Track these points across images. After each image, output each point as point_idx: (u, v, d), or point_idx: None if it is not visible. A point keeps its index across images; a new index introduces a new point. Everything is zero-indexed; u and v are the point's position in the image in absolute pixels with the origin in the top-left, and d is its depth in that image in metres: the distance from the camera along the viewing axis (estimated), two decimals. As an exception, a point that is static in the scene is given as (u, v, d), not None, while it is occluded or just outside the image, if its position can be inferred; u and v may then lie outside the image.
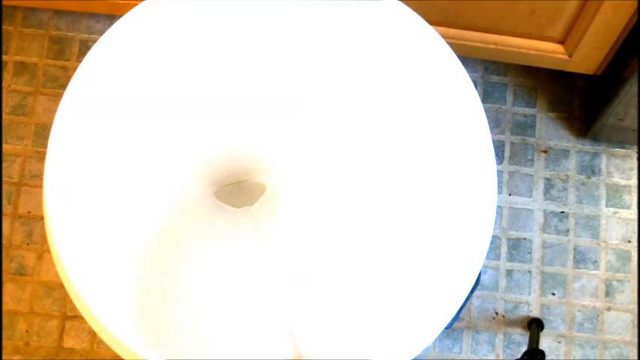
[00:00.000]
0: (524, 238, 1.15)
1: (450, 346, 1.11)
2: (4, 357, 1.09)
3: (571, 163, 1.18)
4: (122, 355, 0.67)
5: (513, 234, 1.15)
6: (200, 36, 0.81)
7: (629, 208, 1.16)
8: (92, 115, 0.76)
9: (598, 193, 1.17)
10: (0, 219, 1.14)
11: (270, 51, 0.84)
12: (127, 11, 0.75)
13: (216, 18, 0.80)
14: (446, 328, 0.72)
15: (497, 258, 1.14)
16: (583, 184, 1.17)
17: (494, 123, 1.19)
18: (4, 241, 1.13)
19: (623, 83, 1.03)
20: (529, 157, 1.18)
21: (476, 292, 1.12)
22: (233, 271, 0.96)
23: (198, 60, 0.83)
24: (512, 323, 1.12)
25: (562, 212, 1.16)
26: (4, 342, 1.10)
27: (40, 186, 1.14)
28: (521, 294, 1.13)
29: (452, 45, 0.76)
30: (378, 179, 0.93)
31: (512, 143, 1.19)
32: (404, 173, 0.89)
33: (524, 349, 1.11)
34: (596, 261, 1.14)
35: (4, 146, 1.17)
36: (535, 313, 1.12)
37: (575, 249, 1.15)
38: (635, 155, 1.18)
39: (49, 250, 0.95)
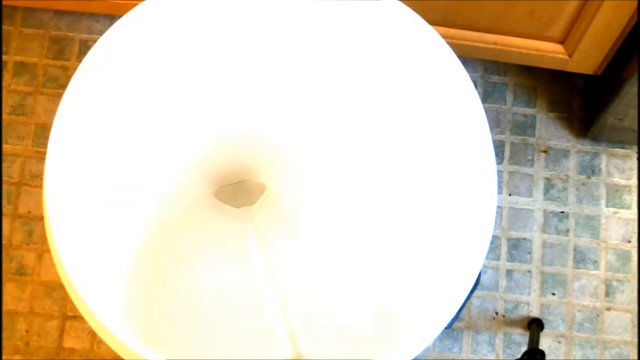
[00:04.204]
0: (524, 238, 1.15)
1: (450, 346, 1.11)
2: (4, 357, 1.09)
3: (571, 163, 1.18)
4: (122, 355, 0.67)
5: (513, 234, 1.15)
6: (200, 36, 0.81)
7: (629, 208, 1.16)
8: (92, 115, 0.76)
9: (598, 193, 1.17)
10: (0, 219, 1.14)
11: (271, 51, 0.84)
12: (127, 11, 0.75)
13: (216, 18, 0.80)
14: (446, 328, 0.72)
15: (497, 258, 1.14)
16: (583, 184, 1.17)
17: (494, 123, 1.19)
18: (4, 241, 1.13)
19: (623, 83, 1.03)
20: (529, 157, 1.18)
21: (476, 292, 1.12)
22: (233, 271, 0.96)
23: (198, 60, 0.83)
24: (512, 323, 1.12)
25: (562, 212, 1.16)
26: (4, 342, 1.10)
27: (40, 186, 1.14)
28: (521, 294, 1.13)
29: (452, 45, 0.76)
30: (377, 179, 0.93)
31: (512, 143, 1.19)
32: (404, 173, 0.89)
33: (524, 349, 1.11)
34: (596, 261, 1.14)
35: (4, 146, 1.17)
36: (535, 313, 1.12)
37: (575, 249, 1.15)
38: (635, 155, 1.18)
39: (49, 250, 0.95)
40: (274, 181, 1.00)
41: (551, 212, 1.16)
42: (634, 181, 1.17)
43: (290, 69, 0.86)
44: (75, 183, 0.74)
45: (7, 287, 1.12)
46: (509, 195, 1.17)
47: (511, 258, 1.14)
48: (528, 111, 1.20)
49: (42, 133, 1.17)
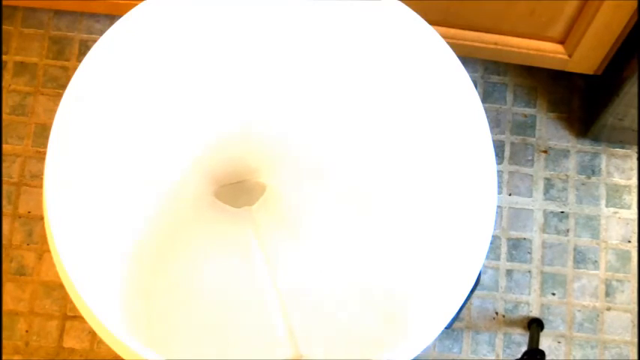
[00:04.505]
0: (524, 238, 1.15)
1: (450, 346, 1.11)
2: (4, 357, 1.09)
3: (571, 163, 1.18)
4: (122, 355, 0.67)
5: (513, 234, 1.15)
6: (200, 36, 0.81)
7: (629, 208, 1.16)
8: (92, 115, 0.76)
9: (598, 193, 1.17)
10: (0, 219, 1.14)
11: (271, 51, 0.84)
12: (127, 11, 0.75)
13: (216, 18, 0.80)
14: (446, 328, 0.72)
15: (497, 258, 1.14)
16: (583, 184, 1.17)
17: (494, 123, 1.19)
18: (4, 241, 1.13)
19: (623, 83, 1.03)
20: (529, 157, 1.18)
21: (476, 292, 1.12)
22: (233, 271, 0.96)
23: (198, 60, 0.83)
24: (512, 323, 1.12)
25: (562, 212, 1.16)
26: (4, 342, 1.10)
27: (40, 186, 1.14)
28: (521, 294, 1.13)
29: (452, 45, 0.76)
30: (377, 179, 0.93)
31: (512, 143, 1.19)
32: (404, 173, 0.89)
33: (524, 349, 1.11)
34: (596, 261, 1.14)
35: (4, 146, 1.17)
36: (535, 313, 1.12)
37: (575, 249, 1.15)
38: (635, 155, 1.18)
39: (49, 250, 0.95)
40: (274, 181, 1.00)
41: (551, 212, 1.16)
42: (634, 181, 1.17)
43: (290, 69, 0.86)
44: (75, 183, 0.74)
45: (7, 287, 1.12)
46: (509, 195, 1.17)
47: (511, 258, 1.14)
48: (528, 111, 1.20)
49: (42, 133, 1.17)
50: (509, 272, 1.14)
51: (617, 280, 1.14)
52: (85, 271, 0.69)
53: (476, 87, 1.05)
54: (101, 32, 0.87)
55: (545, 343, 1.11)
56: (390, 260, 0.93)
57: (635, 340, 1.12)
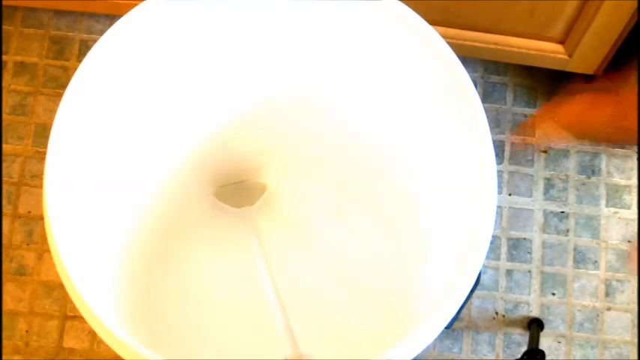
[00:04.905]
0: (524, 238, 1.15)
1: (450, 346, 1.11)
2: (4, 357, 1.09)
3: (571, 163, 1.18)
4: (122, 355, 0.67)
5: (513, 234, 1.15)
6: (200, 36, 0.81)
7: (629, 208, 1.16)
8: (92, 115, 0.76)
9: (598, 193, 1.17)
10: (0, 219, 1.14)
11: (271, 51, 0.84)
12: (127, 11, 0.75)
13: (216, 18, 0.80)
14: (446, 328, 0.72)
15: (497, 258, 1.14)
16: (583, 184, 1.17)
17: (494, 123, 1.19)
18: (4, 241, 1.13)
19: (623, 83, 1.03)
20: (529, 157, 1.18)
21: (476, 292, 1.12)
22: (233, 271, 0.96)
23: (198, 60, 0.83)
24: (512, 323, 1.12)
25: (562, 212, 1.16)
26: (4, 342, 1.10)
27: (40, 186, 1.14)
28: (521, 294, 1.13)
29: (452, 45, 0.76)
30: (377, 179, 0.93)
31: (512, 143, 1.19)
32: (404, 173, 0.89)
33: (524, 349, 1.11)
34: (596, 261, 1.14)
35: (4, 146, 1.17)
36: (535, 313, 1.12)
37: (575, 249, 1.15)
38: (635, 155, 1.18)
39: (49, 250, 0.95)
40: (274, 181, 1.00)
41: (551, 212, 1.16)
42: (634, 181, 1.17)
43: (290, 69, 0.86)
44: (75, 183, 0.74)
45: (7, 287, 1.12)
46: (509, 195, 1.17)
47: (511, 258, 1.14)
48: (528, 111, 1.20)
49: (42, 133, 1.17)
50: (509, 272, 1.14)
51: (617, 280, 1.14)
52: (85, 271, 0.69)
53: (476, 87, 1.05)
54: (101, 32, 0.87)
55: (545, 343, 1.11)
56: (390, 259, 0.93)
57: (635, 340, 1.12)
